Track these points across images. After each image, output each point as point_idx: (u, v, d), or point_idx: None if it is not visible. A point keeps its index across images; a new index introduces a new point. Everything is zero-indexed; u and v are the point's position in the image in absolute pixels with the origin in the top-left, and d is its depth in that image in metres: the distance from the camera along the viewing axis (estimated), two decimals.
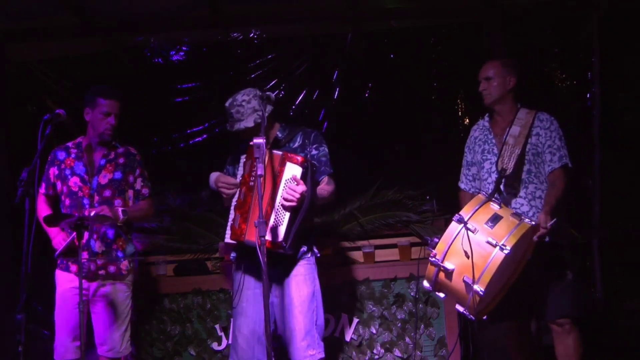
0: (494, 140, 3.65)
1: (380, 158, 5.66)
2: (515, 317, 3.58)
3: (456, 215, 3.10)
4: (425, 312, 4.32)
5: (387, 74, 5.91)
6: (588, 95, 5.51)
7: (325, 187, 3.43)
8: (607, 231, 5.30)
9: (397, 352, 4.30)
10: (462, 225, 3.06)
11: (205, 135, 5.97)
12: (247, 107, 3.36)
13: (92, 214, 3.55)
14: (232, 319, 3.67)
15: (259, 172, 2.96)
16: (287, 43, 5.90)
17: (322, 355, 3.36)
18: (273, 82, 5.81)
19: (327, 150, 3.49)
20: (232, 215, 3.34)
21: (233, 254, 3.51)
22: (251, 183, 3.25)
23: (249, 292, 3.36)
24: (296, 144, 3.47)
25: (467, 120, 5.96)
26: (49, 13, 5.02)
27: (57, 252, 3.60)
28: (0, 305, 4.73)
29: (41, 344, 3.96)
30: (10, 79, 5.44)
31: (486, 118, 3.75)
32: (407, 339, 4.30)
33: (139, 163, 3.86)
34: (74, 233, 3.38)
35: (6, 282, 4.74)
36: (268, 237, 3.12)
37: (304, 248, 3.41)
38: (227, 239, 3.34)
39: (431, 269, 3.12)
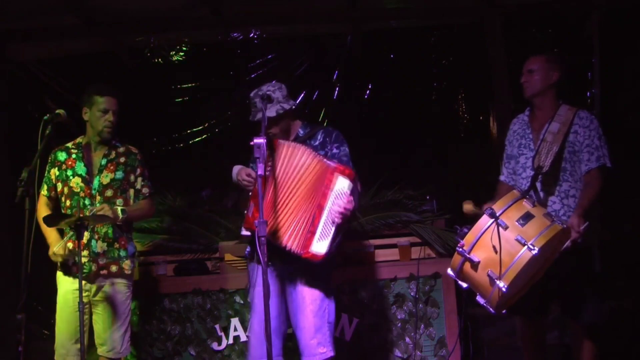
0: (531, 136, 3.63)
1: (380, 158, 5.66)
2: (532, 314, 3.61)
3: (488, 209, 3.09)
4: (425, 312, 4.32)
5: (387, 74, 5.91)
6: (588, 95, 5.51)
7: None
8: (607, 232, 5.29)
9: (397, 352, 4.30)
10: (494, 219, 3.05)
11: (205, 135, 5.97)
12: (272, 97, 3.37)
13: (91, 213, 3.55)
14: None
15: (259, 172, 2.96)
16: (287, 43, 5.91)
17: (332, 353, 3.37)
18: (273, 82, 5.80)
19: (347, 150, 3.48)
20: (248, 205, 3.34)
21: (247, 249, 3.52)
22: (267, 173, 3.23)
23: (260, 288, 3.36)
24: (317, 142, 3.47)
25: (467, 121, 5.97)
26: (49, 13, 5.02)
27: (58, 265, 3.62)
28: (0, 305, 4.73)
29: (41, 344, 3.96)
30: (10, 79, 5.44)
31: (526, 112, 3.74)
32: (407, 339, 4.30)
33: (140, 162, 3.86)
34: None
35: (6, 282, 4.74)
36: (313, 249, 3.15)
37: None
38: (243, 231, 3.35)
39: (457, 258, 3.13)
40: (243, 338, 4.29)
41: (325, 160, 3.23)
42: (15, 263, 3.89)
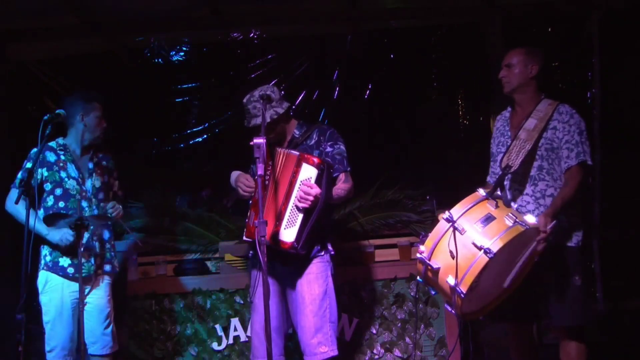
0: (509, 133, 3.49)
1: (380, 158, 5.66)
2: (516, 319, 3.50)
3: (446, 211, 3.03)
4: (425, 312, 4.32)
5: (387, 74, 5.91)
6: (588, 95, 5.51)
7: (341, 185, 3.43)
8: (607, 231, 5.29)
9: (397, 352, 4.30)
10: (450, 224, 3.00)
11: (205, 135, 5.97)
12: (272, 97, 3.39)
13: (106, 211, 3.62)
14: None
15: (258, 172, 2.97)
16: (287, 43, 5.91)
17: (336, 353, 3.37)
18: (273, 82, 5.80)
19: (343, 148, 3.48)
20: (249, 213, 3.38)
21: (251, 252, 3.54)
22: (266, 182, 3.27)
23: (262, 288, 3.37)
24: (312, 141, 3.49)
25: (467, 121, 5.97)
26: (49, 13, 5.02)
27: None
28: (0, 305, 4.73)
29: (41, 344, 3.96)
30: (10, 79, 5.44)
31: (509, 108, 3.60)
32: (407, 339, 4.30)
33: (115, 166, 3.92)
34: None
35: (6, 282, 4.74)
36: (281, 237, 3.20)
37: (318, 247, 3.43)
38: (244, 237, 3.37)
39: (419, 265, 3.10)
40: (243, 338, 4.29)
41: (292, 151, 3.27)
42: (15, 263, 3.89)
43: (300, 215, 3.20)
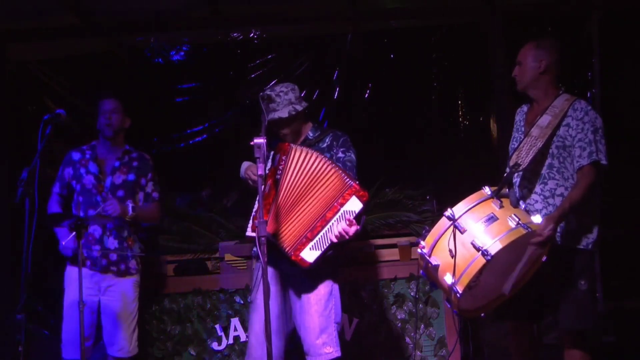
0: (523, 129, 3.40)
1: (380, 158, 5.65)
2: (516, 318, 3.46)
3: (449, 209, 3.00)
4: (425, 312, 4.32)
5: (387, 74, 5.90)
6: (588, 95, 5.51)
7: None
8: (607, 231, 5.28)
9: (397, 352, 4.30)
10: (451, 222, 2.97)
11: (205, 135, 5.97)
12: (284, 98, 3.39)
13: (102, 208, 3.67)
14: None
15: (259, 172, 2.96)
16: (287, 43, 5.91)
17: (339, 354, 3.36)
18: (273, 82, 5.81)
19: (354, 156, 3.47)
20: (255, 207, 3.34)
21: (254, 249, 3.53)
22: (277, 177, 3.26)
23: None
24: (324, 145, 3.48)
25: (467, 121, 5.96)
26: (49, 13, 5.03)
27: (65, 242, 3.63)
28: (0, 305, 4.73)
29: (41, 344, 3.97)
30: (10, 79, 5.44)
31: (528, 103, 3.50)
32: (407, 339, 4.31)
33: (152, 168, 4.00)
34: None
35: (6, 282, 4.74)
36: (303, 255, 3.18)
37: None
38: (249, 232, 3.33)
39: (420, 260, 3.09)
40: (243, 338, 4.29)
41: (345, 176, 3.21)
42: (15, 263, 3.90)
43: (329, 242, 3.19)
